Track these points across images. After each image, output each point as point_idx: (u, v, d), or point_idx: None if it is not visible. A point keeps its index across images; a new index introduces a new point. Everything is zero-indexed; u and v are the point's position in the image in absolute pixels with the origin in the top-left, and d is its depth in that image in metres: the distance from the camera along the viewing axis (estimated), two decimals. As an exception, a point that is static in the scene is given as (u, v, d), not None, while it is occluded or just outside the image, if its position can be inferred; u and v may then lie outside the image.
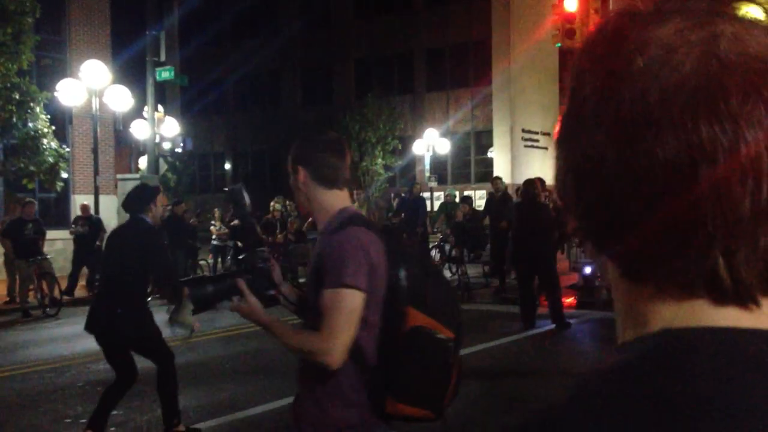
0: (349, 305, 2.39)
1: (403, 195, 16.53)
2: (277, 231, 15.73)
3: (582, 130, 0.64)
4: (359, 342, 2.43)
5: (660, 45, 0.59)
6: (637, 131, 0.59)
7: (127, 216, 5.95)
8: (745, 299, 0.61)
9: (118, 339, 5.69)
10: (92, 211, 15.72)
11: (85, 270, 14.79)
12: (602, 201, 0.62)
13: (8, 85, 15.01)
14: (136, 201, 5.79)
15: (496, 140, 33.65)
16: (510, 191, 16.86)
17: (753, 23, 0.60)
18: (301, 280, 15.88)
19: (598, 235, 0.66)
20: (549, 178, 17.40)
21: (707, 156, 0.57)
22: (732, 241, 0.58)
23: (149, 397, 7.17)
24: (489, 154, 33.99)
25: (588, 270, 12.42)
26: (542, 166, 32.93)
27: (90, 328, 5.73)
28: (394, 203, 17.42)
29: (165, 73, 21.19)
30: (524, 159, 33.35)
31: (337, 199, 2.63)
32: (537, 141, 34.41)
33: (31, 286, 12.97)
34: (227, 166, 41.29)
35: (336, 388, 2.47)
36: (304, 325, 2.65)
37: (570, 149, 0.66)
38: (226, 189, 2.87)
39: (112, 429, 6.23)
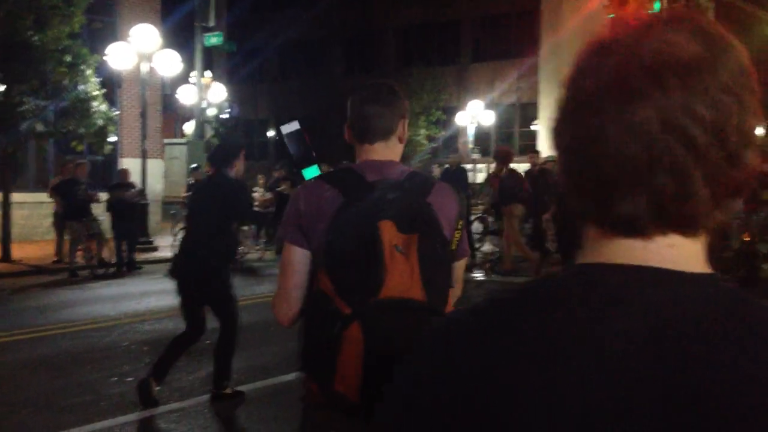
0: (284, 258, 2.32)
1: (447, 166, 16.40)
2: None
3: (572, 115, 0.84)
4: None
5: (605, 53, 0.82)
6: (581, 112, 0.82)
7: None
8: (634, 231, 0.77)
9: (206, 291, 5.81)
10: (139, 176, 15.91)
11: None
12: (573, 169, 0.81)
13: (60, 47, 15.16)
14: (222, 156, 5.88)
15: (541, 113, 33.22)
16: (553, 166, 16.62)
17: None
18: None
19: (573, 197, 0.83)
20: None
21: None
22: (632, 187, 0.76)
23: (195, 357, 7.29)
24: (533, 127, 33.60)
25: None
26: (588, 141, 32.50)
27: (178, 275, 5.85)
28: (438, 174, 17.33)
29: (213, 39, 21.24)
30: (570, 133, 32.92)
31: (365, 154, 2.41)
32: (583, 115, 33.91)
33: (80, 247, 13.20)
34: (270, 132, 41.45)
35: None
36: None
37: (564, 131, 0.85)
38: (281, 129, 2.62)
39: (158, 388, 6.36)
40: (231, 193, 5.84)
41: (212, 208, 5.80)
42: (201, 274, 5.79)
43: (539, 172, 14.13)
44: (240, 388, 6.29)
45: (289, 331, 8.03)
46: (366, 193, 2.21)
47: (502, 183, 13.07)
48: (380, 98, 2.41)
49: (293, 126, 2.58)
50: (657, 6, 17.47)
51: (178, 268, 5.95)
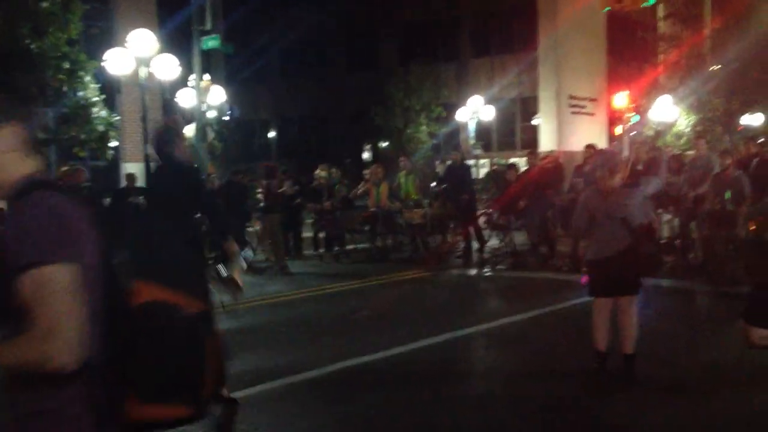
0: (60, 284, 1.88)
1: (450, 162, 16.41)
2: (324, 198, 15.78)
3: None
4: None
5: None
6: None
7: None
8: None
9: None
10: (142, 181, 15.93)
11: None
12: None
13: (58, 54, 15.21)
14: (164, 140, 5.71)
15: (542, 106, 33.17)
16: (562, 159, 16.60)
17: None
18: (349, 247, 15.95)
19: None
20: (598, 144, 17.14)
21: None
22: None
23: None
24: (534, 121, 33.57)
25: None
26: (589, 132, 32.43)
27: None
28: (441, 171, 17.36)
29: (211, 42, 21.24)
30: (570, 125, 32.85)
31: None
32: (584, 107, 33.82)
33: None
34: (272, 133, 41.48)
35: (41, 402, 1.94)
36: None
37: None
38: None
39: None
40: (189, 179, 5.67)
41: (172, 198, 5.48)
42: None
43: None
44: (246, 391, 6.30)
45: (293, 333, 8.00)
46: None
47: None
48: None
49: None
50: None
51: None
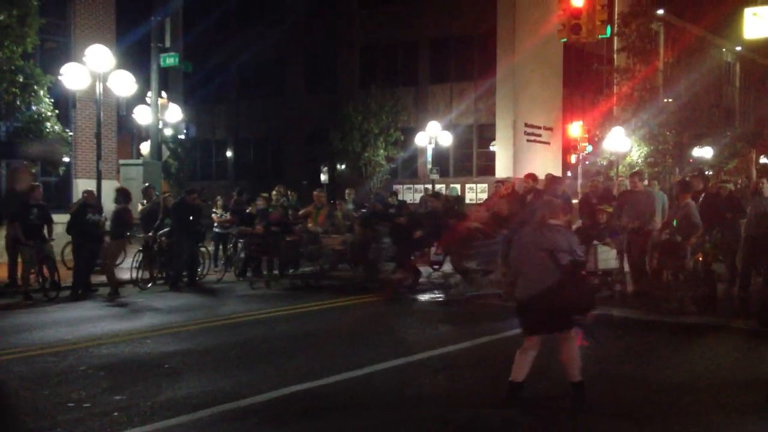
0: None
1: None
2: (256, 221, 15.45)
3: None
4: None
5: None
6: None
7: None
8: None
9: None
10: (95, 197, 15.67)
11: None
12: None
13: (12, 67, 14.97)
14: None
15: (498, 134, 33.59)
16: (518, 187, 16.74)
17: None
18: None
19: None
20: (552, 172, 17.38)
21: None
22: None
23: (153, 382, 7.20)
24: (491, 148, 33.96)
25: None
26: (543, 161, 32.90)
27: None
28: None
29: (170, 59, 21.12)
30: (526, 153, 33.31)
31: None
32: (539, 135, 34.35)
33: (32, 270, 12.95)
34: (229, 153, 41.23)
35: None
36: None
37: None
38: None
39: (115, 414, 6.25)
40: None
41: None
42: None
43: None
44: (202, 412, 6.22)
45: (249, 354, 7.92)
46: None
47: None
48: None
49: None
50: (608, 31, 17.84)
51: None
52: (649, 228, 12.24)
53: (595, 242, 11.58)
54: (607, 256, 11.70)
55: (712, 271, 11.60)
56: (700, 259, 11.29)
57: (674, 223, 11.48)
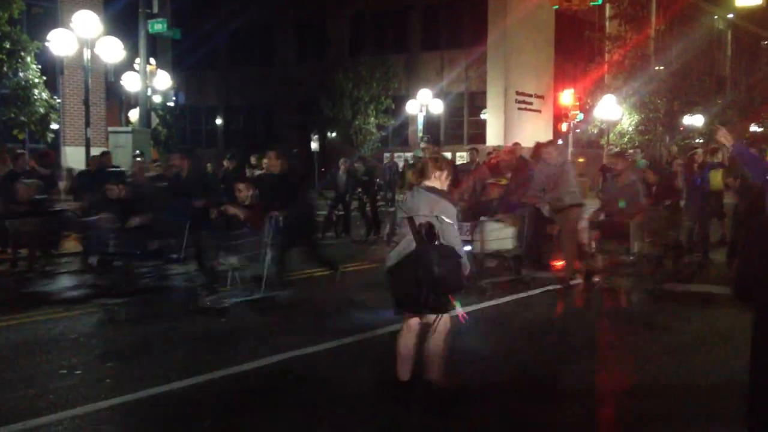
0: None
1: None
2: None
3: None
4: None
5: None
6: None
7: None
8: None
9: None
10: (83, 164, 15.57)
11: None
12: None
13: (-1, 33, 14.84)
14: None
15: (489, 102, 33.52)
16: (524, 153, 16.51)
17: None
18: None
19: None
20: (542, 140, 17.32)
21: None
22: None
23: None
24: (482, 116, 33.88)
25: None
26: (534, 129, 32.87)
27: None
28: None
29: (157, 26, 20.91)
30: (517, 121, 33.27)
31: None
32: (530, 103, 34.29)
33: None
34: (219, 121, 41.01)
35: None
36: None
37: None
38: None
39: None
40: None
41: None
42: None
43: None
44: (125, 397, 5.92)
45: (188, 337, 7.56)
46: None
47: None
48: None
49: None
50: (599, -1, 17.74)
51: None
52: (570, 203, 10.29)
53: (483, 218, 10.02)
54: (500, 235, 9.97)
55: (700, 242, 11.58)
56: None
57: (621, 203, 9.99)
